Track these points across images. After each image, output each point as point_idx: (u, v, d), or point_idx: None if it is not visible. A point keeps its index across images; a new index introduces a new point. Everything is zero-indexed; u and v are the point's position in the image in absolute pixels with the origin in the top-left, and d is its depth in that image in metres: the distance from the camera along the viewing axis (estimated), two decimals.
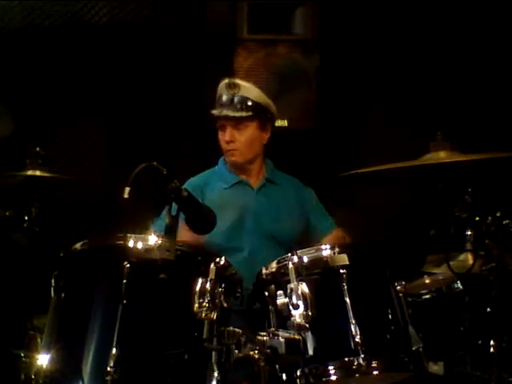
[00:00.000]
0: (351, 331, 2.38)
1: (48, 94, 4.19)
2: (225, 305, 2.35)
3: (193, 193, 3.01)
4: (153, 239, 2.30)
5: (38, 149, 3.24)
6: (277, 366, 2.42)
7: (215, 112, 3.23)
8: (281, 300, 2.44)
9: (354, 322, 2.39)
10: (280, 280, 2.51)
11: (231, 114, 3.21)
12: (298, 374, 2.41)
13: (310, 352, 2.38)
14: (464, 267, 2.92)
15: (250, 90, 3.24)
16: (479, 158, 2.94)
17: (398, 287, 2.55)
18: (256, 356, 2.25)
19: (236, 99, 3.21)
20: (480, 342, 3.08)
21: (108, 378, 2.14)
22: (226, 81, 3.25)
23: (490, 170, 3.21)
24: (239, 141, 3.23)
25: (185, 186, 3.08)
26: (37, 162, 3.22)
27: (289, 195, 3.35)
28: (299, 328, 2.34)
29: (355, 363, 2.38)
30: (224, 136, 3.24)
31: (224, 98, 3.23)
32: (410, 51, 4.35)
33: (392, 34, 4.37)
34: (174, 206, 2.34)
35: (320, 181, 4.08)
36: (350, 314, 2.40)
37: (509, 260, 2.84)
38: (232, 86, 3.24)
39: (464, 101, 4.24)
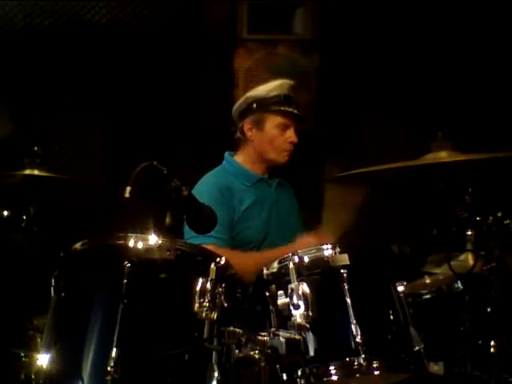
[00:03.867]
0: (352, 331, 2.38)
1: (48, 94, 4.19)
2: (225, 305, 2.34)
3: (223, 193, 3.13)
4: (153, 239, 2.29)
5: (36, 148, 3.24)
6: (277, 366, 2.41)
7: (289, 109, 3.23)
8: (281, 300, 2.44)
9: (354, 322, 2.39)
10: (281, 280, 2.51)
11: (300, 114, 3.26)
12: (299, 374, 2.41)
13: (311, 352, 2.38)
14: (465, 267, 2.92)
15: None
16: (479, 158, 2.94)
17: (399, 287, 2.55)
18: (256, 356, 2.24)
19: (296, 102, 3.26)
20: (480, 341, 3.07)
21: (108, 377, 2.13)
22: (292, 83, 3.29)
23: (490, 169, 3.22)
24: (296, 142, 3.27)
25: (208, 187, 3.15)
26: (35, 161, 3.22)
27: (290, 193, 3.45)
28: (300, 328, 2.34)
29: (356, 363, 2.37)
30: (289, 135, 3.24)
31: (289, 97, 3.24)
32: (410, 51, 4.35)
33: (392, 35, 4.37)
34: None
35: (319, 181, 4.09)
36: (351, 314, 2.40)
37: (509, 260, 2.84)
38: (294, 89, 3.28)
39: (464, 101, 4.24)
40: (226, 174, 3.29)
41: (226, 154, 3.37)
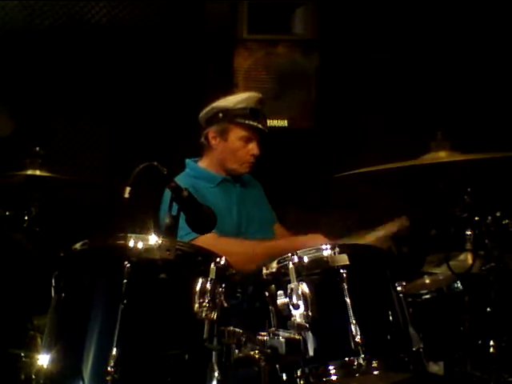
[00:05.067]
0: (351, 331, 2.38)
1: (48, 94, 4.19)
2: (225, 305, 2.34)
3: (194, 191, 3.10)
4: (153, 239, 2.30)
5: (37, 148, 3.25)
6: (277, 366, 2.42)
7: (253, 123, 3.26)
8: (281, 300, 2.44)
9: (354, 322, 2.39)
10: (280, 280, 2.51)
11: (264, 128, 3.30)
12: (299, 373, 2.41)
13: (311, 352, 2.38)
14: (464, 267, 2.93)
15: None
16: (479, 158, 2.95)
17: (399, 287, 2.55)
18: (256, 356, 2.25)
19: (263, 115, 3.30)
20: (480, 342, 3.08)
21: (108, 377, 2.13)
22: (260, 96, 3.33)
23: (489, 169, 3.22)
24: (257, 155, 3.31)
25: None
26: (37, 161, 3.23)
27: (256, 188, 3.50)
28: (299, 328, 2.34)
29: (355, 363, 2.37)
30: (252, 148, 3.29)
31: (255, 110, 3.27)
32: (410, 51, 4.35)
33: (392, 35, 4.37)
34: (174, 205, 2.34)
35: (319, 181, 4.09)
36: (351, 314, 2.40)
37: (508, 260, 2.84)
38: (261, 102, 3.32)
39: (464, 101, 4.24)
40: (191, 178, 3.31)
41: (188, 160, 3.39)
